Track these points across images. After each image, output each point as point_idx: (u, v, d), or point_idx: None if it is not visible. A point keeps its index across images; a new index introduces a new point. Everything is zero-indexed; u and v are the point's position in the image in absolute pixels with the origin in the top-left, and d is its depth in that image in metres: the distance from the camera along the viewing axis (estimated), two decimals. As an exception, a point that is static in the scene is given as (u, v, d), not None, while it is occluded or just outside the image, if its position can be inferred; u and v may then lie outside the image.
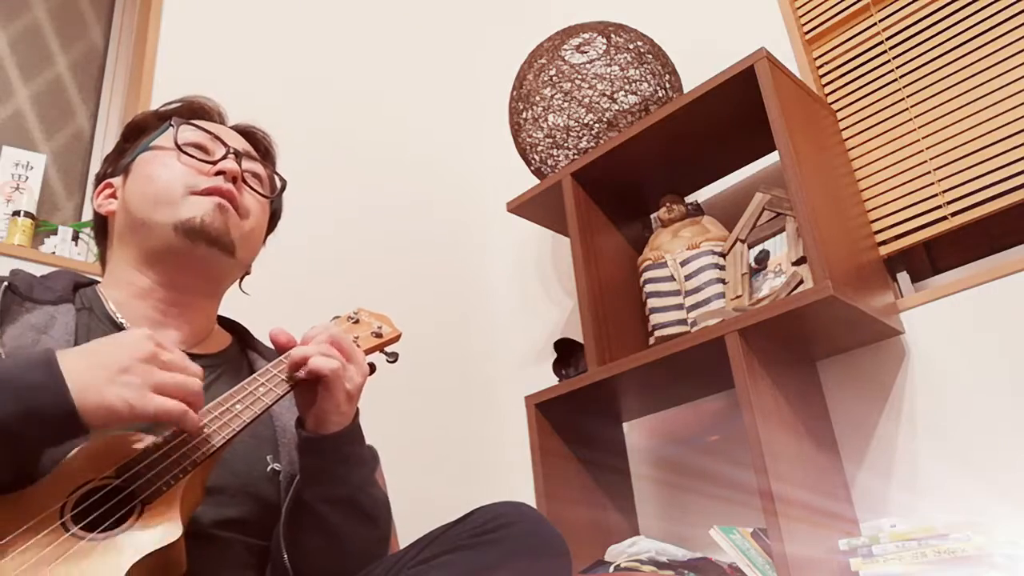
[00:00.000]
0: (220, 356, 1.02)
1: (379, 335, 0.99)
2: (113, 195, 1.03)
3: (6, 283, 0.89)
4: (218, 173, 0.98)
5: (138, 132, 1.06)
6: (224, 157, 1.00)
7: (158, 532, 0.69)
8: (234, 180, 0.99)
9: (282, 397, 0.84)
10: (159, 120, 1.05)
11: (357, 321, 1.01)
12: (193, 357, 0.97)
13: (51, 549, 0.65)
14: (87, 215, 1.87)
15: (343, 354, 0.87)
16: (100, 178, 1.06)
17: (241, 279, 1.10)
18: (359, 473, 0.92)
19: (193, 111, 1.07)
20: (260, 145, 1.11)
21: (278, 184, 1.10)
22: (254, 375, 0.85)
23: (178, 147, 0.99)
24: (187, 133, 1.01)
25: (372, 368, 0.93)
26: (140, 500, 0.71)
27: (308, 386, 0.86)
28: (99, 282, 1.02)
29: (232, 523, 0.87)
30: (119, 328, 0.95)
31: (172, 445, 0.75)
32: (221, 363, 1.00)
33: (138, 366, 0.71)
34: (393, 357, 1.01)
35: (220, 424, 0.78)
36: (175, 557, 0.70)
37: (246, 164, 1.03)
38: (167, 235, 0.95)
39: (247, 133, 1.10)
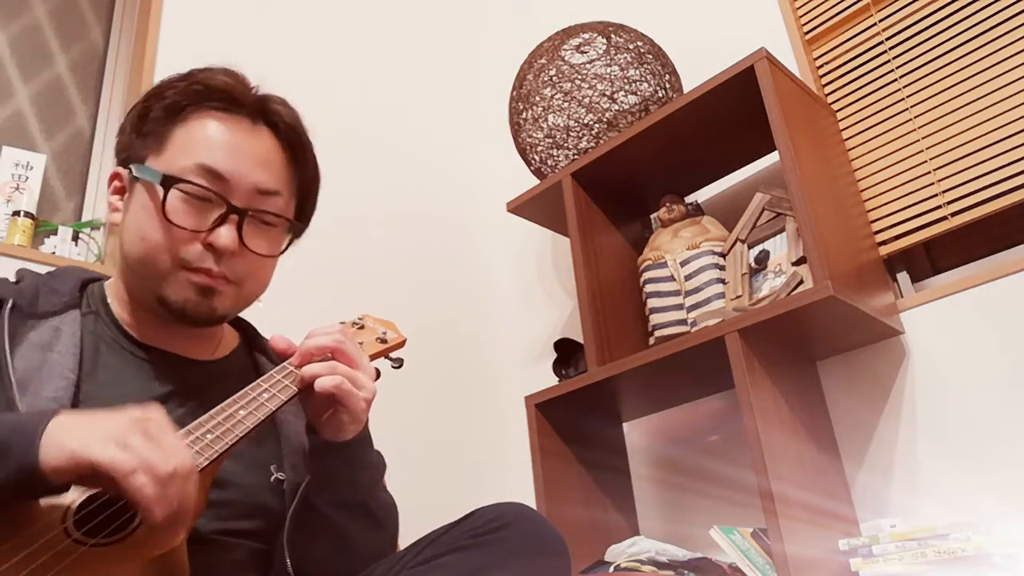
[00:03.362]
0: (226, 361, 1.01)
1: (384, 341, 0.99)
2: (121, 192, 0.96)
3: (10, 303, 0.86)
4: (209, 246, 0.88)
5: (149, 129, 0.94)
6: (222, 220, 0.89)
7: (159, 539, 0.69)
8: (233, 252, 0.89)
9: (286, 403, 0.84)
10: (173, 114, 0.93)
11: (362, 327, 1.01)
12: (199, 363, 0.97)
13: (52, 555, 0.65)
14: (87, 215, 1.87)
15: (348, 361, 0.86)
16: (116, 155, 0.97)
17: None
18: (370, 478, 0.92)
19: (214, 98, 0.94)
20: (288, 141, 0.99)
21: (293, 227, 0.99)
22: (258, 380, 0.85)
23: (166, 218, 0.88)
24: (183, 188, 0.89)
25: (377, 374, 0.92)
26: None
27: (316, 392, 0.84)
28: (108, 278, 1.00)
29: (236, 533, 0.87)
30: (126, 335, 0.93)
31: None
32: (228, 368, 1.00)
33: (116, 423, 0.66)
34: (398, 363, 1.00)
35: (223, 430, 0.77)
36: (177, 563, 0.70)
37: (253, 214, 0.92)
38: (152, 301, 0.91)
39: (274, 125, 0.98)
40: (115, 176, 0.97)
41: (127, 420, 0.67)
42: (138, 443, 0.64)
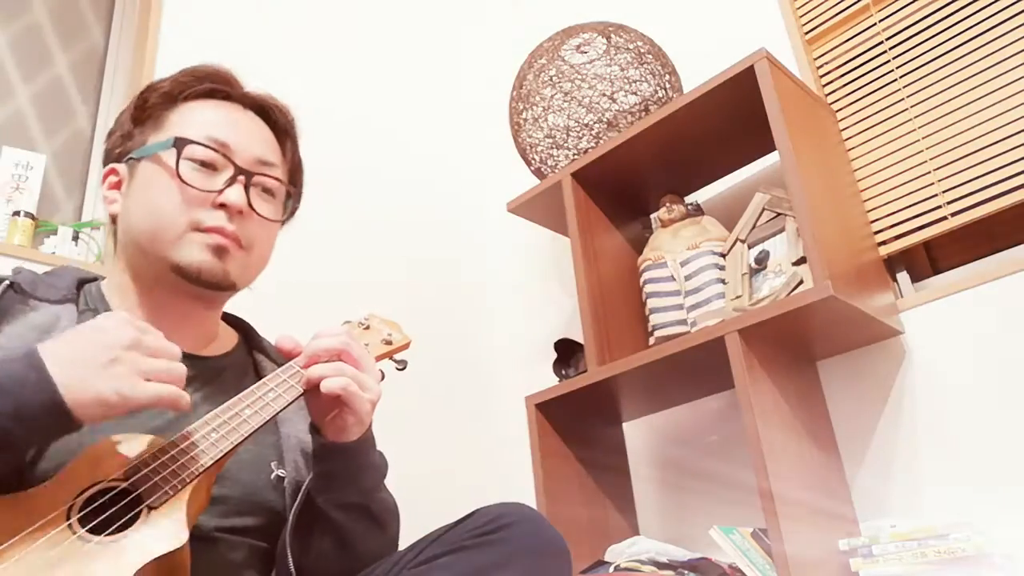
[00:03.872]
0: (226, 358, 1.01)
1: (389, 342, 0.99)
2: (118, 186, 0.98)
3: (8, 282, 0.88)
4: (222, 206, 0.92)
5: (148, 115, 0.98)
6: (231, 182, 0.93)
7: (164, 536, 0.69)
8: (240, 211, 0.93)
9: (291, 403, 0.84)
10: (169, 101, 0.98)
11: (368, 327, 1.00)
12: (199, 359, 0.96)
13: (57, 551, 0.65)
14: (87, 215, 1.87)
15: (354, 363, 0.86)
16: (107, 156, 1.00)
17: None
18: (372, 479, 0.92)
19: (207, 82, 0.99)
20: (278, 124, 1.04)
21: (291, 200, 1.03)
22: (263, 380, 0.85)
23: (180, 178, 0.92)
24: (192, 151, 0.93)
25: (381, 376, 0.92)
26: (147, 504, 0.71)
27: (321, 393, 0.85)
28: (104, 278, 1.00)
29: (237, 530, 0.87)
30: None
31: (180, 449, 0.75)
32: (227, 365, 1.00)
33: (125, 355, 0.71)
34: (402, 365, 1.00)
35: (228, 429, 0.77)
36: (180, 562, 0.70)
37: (257, 180, 0.96)
38: (162, 270, 0.92)
39: (263, 110, 1.03)
40: (111, 172, 0.99)
41: (124, 346, 0.72)
42: (156, 365, 0.73)
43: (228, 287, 0.95)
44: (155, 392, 0.71)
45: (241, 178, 0.94)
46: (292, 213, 1.07)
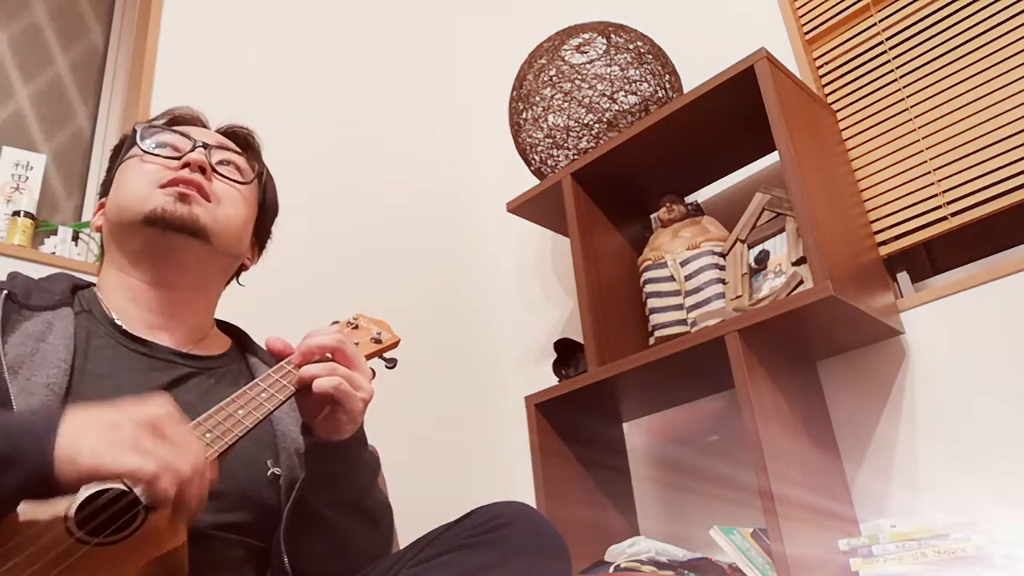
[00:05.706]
0: (220, 359, 1.02)
1: (378, 341, 0.99)
2: (104, 209, 1.05)
3: (5, 292, 0.89)
4: (184, 166, 0.99)
5: (121, 149, 1.08)
6: (191, 150, 1.01)
7: (161, 538, 0.69)
8: (203, 171, 0.99)
9: (283, 403, 0.83)
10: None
11: (356, 327, 1.01)
12: (192, 358, 0.97)
13: (56, 554, 0.65)
14: (87, 215, 1.87)
15: (347, 361, 0.86)
16: (100, 195, 1.09)
17: (238, 273, 1.11)
18: (364, 477, 0.92)
19: (174, 120, 1.09)
20: (240, 140, 1.11)
21: (262, 178, 1.11)
22: (256, 380, 0.84)
23: (141, 150, 1.01)
24: (153, 134, 1.03)
25: (372, 374, 0.92)
26: (144, 505, 0.70)
27: (313, 392, 0.85)
28: (96, 284, 1.02)
29: (232, 527, 0.87)
30: (119, 330, 0.95)
31: None
32: (220, 366, 1.01)
33: (127, 425, 0.66)
34: (392, 363, 1.00)
35: (223, 430, 0.77)
36: (178, 563, 0.70)
37: (219, 155, 1.04)
38: (139, 230, 0.96)
39: (227, 132, 1.11)
40: (100, 205, 1.07)
41: (137, 421, 0.67)
42: (154, 446, 0.66)
43: (198, 231, 0.97)
44: (126, 464, 0.63)
45: (201, 148, 1.01)
46: (269, 192, 1.12)
